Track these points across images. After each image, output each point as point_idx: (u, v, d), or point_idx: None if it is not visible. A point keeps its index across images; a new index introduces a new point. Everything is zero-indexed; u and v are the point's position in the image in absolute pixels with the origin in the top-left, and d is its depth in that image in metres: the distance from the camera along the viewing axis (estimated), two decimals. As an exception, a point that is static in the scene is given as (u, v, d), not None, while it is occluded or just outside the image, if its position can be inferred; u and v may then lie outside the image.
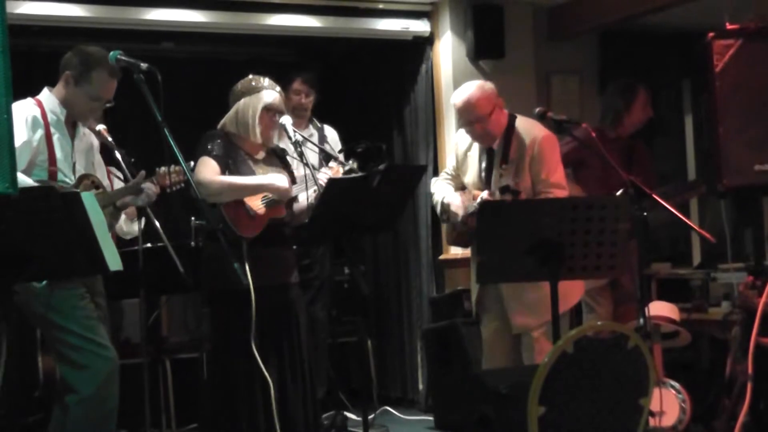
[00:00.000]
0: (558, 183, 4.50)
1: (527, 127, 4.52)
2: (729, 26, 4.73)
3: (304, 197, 4.36)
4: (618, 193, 4.43)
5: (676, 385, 4.84)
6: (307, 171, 4.24)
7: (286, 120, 4.39)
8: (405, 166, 6.06)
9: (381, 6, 6.39)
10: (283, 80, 5.53)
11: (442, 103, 6.48)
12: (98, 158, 4.25)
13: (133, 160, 4.18)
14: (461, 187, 4.73)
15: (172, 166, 4.07)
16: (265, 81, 4.40)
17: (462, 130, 4.77)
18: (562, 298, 3.59)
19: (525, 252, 3.52)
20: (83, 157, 4.09)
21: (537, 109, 4.48)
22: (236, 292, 4.03)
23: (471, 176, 4.64)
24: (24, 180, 3.61)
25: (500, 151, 4.51)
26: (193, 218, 5.57)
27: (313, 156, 5.43)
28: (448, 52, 6.43)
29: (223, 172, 4.29)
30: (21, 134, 3.77)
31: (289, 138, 4.36)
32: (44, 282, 3.73)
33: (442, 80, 6.49)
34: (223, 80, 4.69)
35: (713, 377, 4.97)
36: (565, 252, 3.53)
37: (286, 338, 4.34)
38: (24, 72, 5.74)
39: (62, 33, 5.90)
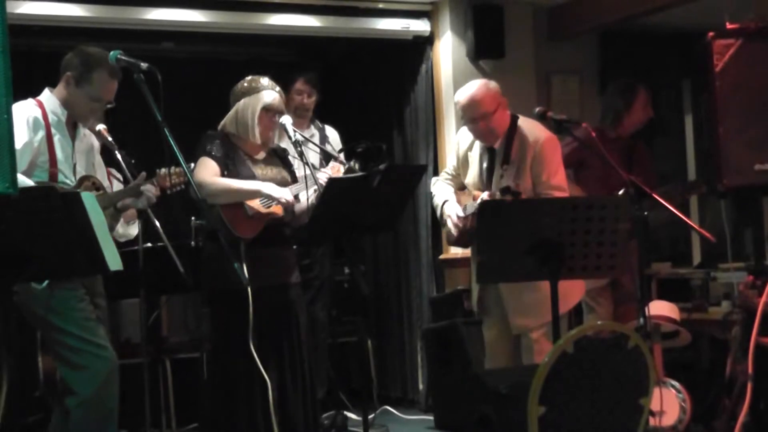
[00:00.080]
0: (559, 185, 4.50)
1: (529, 128, 4.51)
2: (729, 26, 4.72)
3: (305, 197, 4.36)
4: (618, 193, 4.43)
5: (677, 384, 4.84)
6: (308, 171, 4.24)
7: (286, 120, 4.39)
8: (405, 166, 6.06)
9: (381, 6, 6.39)
10: (285, 80, 5.54)
11: (442, 103, 6.48)
12: (99, 159, 4.25)
13: (133, 161, 4.18)
14: (461, 187, 4.73)
15: (173, 168, 4.07)
16: (265, 81, 4.40)
17: (463, 130, 4.77)
18: (562, 298, 3.59)
19: (525, 252, 3.52)
20: (84, 158, 4.09)
21: (537, 109, 4.48)
22: (236, 292, 4.03)
23: (472, 176, 4.64)
24: (24, 181, 3.61)
25: (501, 151, 4.51)
26: (193, 218, 5.57)
27: (313, 156, 5.44)
28: (448, 52, 6.43)
29: (222, 173, 4.29)
30: (22, 135, 3.77)
31: (289, 138, 4.36)
32: (44, 284, 3.73)
33: (442, 80, 6.49)
34: (223, 80, 4.69)
35: (713, 377, 4.97)
36: (565, 252, 3.52)
37: (285, 338, 4.34)
38: (24, 72, 5.74)
39: (62, 33, 5.90)
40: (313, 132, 5.85)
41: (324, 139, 5.84)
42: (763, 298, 4.29)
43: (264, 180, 4.34)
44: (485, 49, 6.38)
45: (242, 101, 4.36)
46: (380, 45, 6.66)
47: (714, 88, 4.69)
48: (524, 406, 2.95)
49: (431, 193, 4.83)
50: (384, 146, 4.89)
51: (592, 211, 3.53)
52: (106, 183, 4.24)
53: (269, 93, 4.36)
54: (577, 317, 5.20)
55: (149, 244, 4.95)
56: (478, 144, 4.63)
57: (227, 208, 4.26)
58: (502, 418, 3.74)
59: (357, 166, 4.43)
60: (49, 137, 3.91)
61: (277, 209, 4.32)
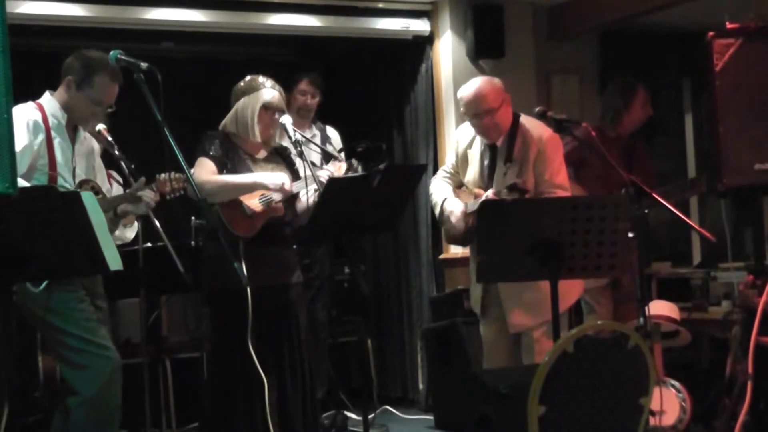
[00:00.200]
0: (561, 184, 4.50)
1: (532, 126, 4.52)
2: (729, 26, 4.72)
3: (307, 197, 4.37)
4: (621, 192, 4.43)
5: (677, 384, 4.83)
6: (307, 171, 4.24)
7: (286, 120, 4.39)
8: (405, 166, 6.06)
9: (381, 5, 6.39)
10: (288, 80, 5.56)
11: (442, 102, 6.48)
12: (99, 162, 4.24)
13: (133, 165, 4.17)
14: (459, 185, 4.72)
15: (173, 173, 4.06)
16: (266, 81, 4.40)
17: (462, 127, 4.76)
18: (560, 297, 3.59)
19: (525, 252, 3.52)
20: (84, 161, 4.08)
21: (537, 109, 4.48)
22: (236, 292, 4.03)
23: (472, 174, 4.63)
24: (22, 184, 3.60)
25: (504, 149, 4.51)
26: (193, 218, 5.57)
27: (314, 156, 5.44)
28: (448, 51, 6.43)
29: (220, 172, 4.30)
30: (22, 138, 3.76)
31: (289, 138, 4.36)
32: (42, 286, 3.72)
33: (442, 80, 6.49)
34: (223, 80, 4.69)
35: (713, 377, 4.97)
36: (565, 252, 3.52)
37: (285, 338, 4.34)
38: (24, 72, 5.76)
39: (62, 33, 5.90)
40: (314, 132, 5.86)
41: (325, 139, 5.85)
42: (763, 298, 4.29)
43: (264, 179, 4.34)
44: (485, 48, 6.38)
45: (242, 100, 4.36)
46: (380, 45, 6.66)
47: (714, 88, 4.69)
48: (524, 406, 2.95)
49: (429, 192, 4.81)
50: (384, 146, 4.90)
51: (592, 211, 3.53)
52: (106, 186, 4.24)
53: (269, 91, 4.36)
54: (577, 317, 5.20)
55: (149, 244, 4.95)
56: (478, 141, 4.62)
57: (226, 208, 4.26)
58: (502, 418, 3.74)
59: (359, 167, 4.43)
60: (48, 140, 3.90)
61: (277, 208, 4.32)
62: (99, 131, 4.18)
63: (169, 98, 3.77)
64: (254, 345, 4.13)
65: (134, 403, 4.71)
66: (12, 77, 2.73)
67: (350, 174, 4.39)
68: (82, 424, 3.83)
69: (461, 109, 4.59)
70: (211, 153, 4.31)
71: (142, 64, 3.86)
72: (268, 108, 4.35)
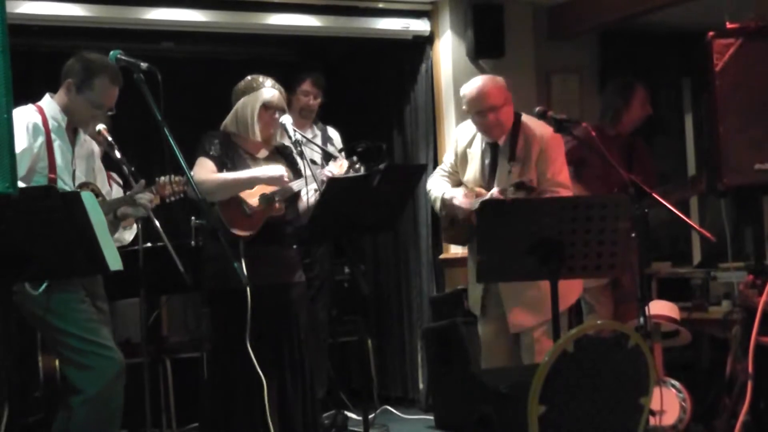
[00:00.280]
0: (563, 183, 4.51)
1: (533, 125, 4.53)
2: (729, 25, 4.72)
3: (308, 196, 4.37)
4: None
5: (677, 384, 4.84)
6: (308, 171, 4.24)
7: (286, 119, 4.38)
8: (405, 166, 6.06)
9: (381, 5, 6.39)
10: (289, 80, 5.55)
11: (442, 102, 6.48)
12: (99, 165, 4.24)
13: (133, 168, 4.16)
14: (457, 184, 4.72)
15: (173, 176, 4.06)
16: (266, 80, 4.40)
17: (462, 126, 4.77)
18: (561, 297, 3.59)
19: (525, 251, 3.52)
20: (84, 163, 4.08)
21: (537, 109, 4.48)
22: (236, 292, 4.03)
23: (472, 173, 4.62)
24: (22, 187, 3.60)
25: (507, 148, 4.51)
26: (193, 218, 5.57)
27: (315, 156, 5.43)
28: (448, 51, 6.43)
29: (220, 172, 4.29)
30: (21, 141, 3.75)
31: (289, 138, 4.36)
32: (41, 288, 3.72)
33: (442, 80, 6.49)
34: (223, 80, 4.69)
35: (714, 376, 4.97)
36: (565, 251, 3.53)
37: (285, 338, 4.34)
38: (24, 72, 5.76)
39: (62, 33, 5.90)
40: (315, 133, 5.86)
41: (327, 140, 5.84)
42: (763, 298, 4.28)
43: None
44: (485, 48, 6.38)
45: (242, 100, 4.37)
46: (380, 45, 6.66)
47: (714, 88, 4.69)
48: (524, 406, 2.95)
49: (427, 189, 4.81)
50: (384, 146, 4.90)
51: (592, 211, 3.53)
52: (106, 188, 4.24)
53: (269, 91, 4.36)
54: (577, 317, 5.20)
55: (149, 244, 4.95)
56: (478, 140, 4.62)
57: (225, 208, 4.26)
58: (503, 418, 3.74)
59: (361, 168, 4.44)
60: (48, 143, 3.89)
61: (278, 208, 4.32)
62: (99, 131, 4.18)
63: (169, 98, 3.78)
64: (254, 345, 4.13)
65: (134, 403, 4.71)
66: (12, 77, 2.73)
67: (351, 172, 4.39)
68: (84, 423, 3.82)
69: (464, 107, 4.59)
70: (211, 153, 4.31)
71: (142, 64, 3.86)
72: (268, 107, 4.35)
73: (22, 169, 3.71)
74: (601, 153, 4.30)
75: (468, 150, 4.66)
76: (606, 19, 6.44)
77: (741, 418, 4.29)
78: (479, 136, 4.63)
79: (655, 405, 4.11)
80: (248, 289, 4.01)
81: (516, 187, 4.30)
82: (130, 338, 5.55)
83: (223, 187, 4.26)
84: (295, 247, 4.49)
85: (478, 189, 4.56)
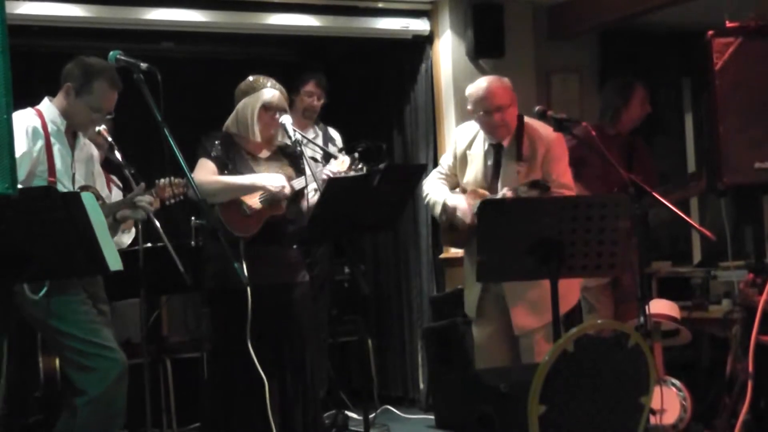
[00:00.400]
0: (567, 184, 4.51)
1: (537, 126, 4.53)
2: (729, 24, 4.72)
3: (312, 196, 4.37)
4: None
5: (677, 383, 4.83)
6: (308, 171, 4.24)
7: (286, 119, 4.38)
8: (405, 166, 6.06)
9: (381, 5, 6.39)
10: (294, 81, 5.55)
11: (442, 102, 6.48)
12: (98, 168, 4.24)
13: (133, 171, 4.16)
14: (454, 187, 4.70)
15: (172, 179, 4.05)
16: (267, 81, 4.40)
17: (461, 128, 4.76)
18: (561, 298, 3.58)
19: (525, 251, 3.52)
20: (83, 167, 4.07)
21: (537, 108, 4.48)
22: (236, 292, 4.03)
23: (473, 175, 4.60)
24: None
25: (513, 148, 4.51)
26: (193, 218, 5.57)
27: (315, 156, 5.43)
28: (448, 51, 6.43)
29: (221, 172, 4.30)
30: (21, 145, 3.74)
31: (289, 137, 4.37)
32: (42, 292, 3.71)
33: (442, 79, 6.49)
34: (223, 80, 4.69)
35: (714, 375, 4.97)
36: (565, 251, 3.52)
37: (286, 338, 4.34)
38: (24, 72, 5.76)
39: (62, 33, 5.90)
40: (317, 133, 5.87)
41: (328, 140, 5.85)
42: (764, 297, 4.28)
43: (267, 178, 4.34)
44: (485, 48, 6.38)
45: (243, 101, 4.37)
46: (380, 45, 6.66)
47: (714, 87, 4.68)
48: (525, 405, 2.95)
49: (424, 193, 4.75)
50: (384, 146, 4.90)
51: (592, 210, 3.53)
52: (105, 192, 4.24)
53: (269, 91, 4.36)
54: (578, 317, 5.20)
55: (149, 245, 4.95)
56: (479, 142, 4.61)
57: (225, 208, 4.26)
58: (503, 417, 3.74)
59: (362, 166, 4.44)
60: (48, 147, 3.89)
61: (278, 207, 4.32)
62: (99, 132, 4.18)
63: (169, 98, 3.77)
64: (254, 345, 4.13)
65: (135, 403, 4.71)
66: (12, 78, 2.73)
67: (352, 170, 4.40)
68: (88, 424, 3.82)
69: (469, 106, 4.58)
70: (213, 154, 4.32)
71: (141, 64, 3.86)
72: (268, 108, 4.35)
73: (21, 173, 3.70)
74: (601, 152, 4.30)
75: (468, 152, 4.64)
76: (606, 18, 6.45)
77: (741, 417, 4.29)
78: (480, 137, 4.62)
79: (655, 404, 4.09)
80: (248, 289, 4.01)
81: (530, 186, 4.29)
82: (130, 338, 5.55)
83: (223, 190, 4.26)
84: (295, 247, 4.49)
85: (481, 191, 4.55)
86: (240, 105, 4.37)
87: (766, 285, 4.31)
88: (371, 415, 5.17)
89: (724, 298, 5.30)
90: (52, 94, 4.02)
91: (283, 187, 4.29)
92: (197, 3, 5.95)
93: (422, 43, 6.58)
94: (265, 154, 4.45)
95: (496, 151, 4.57)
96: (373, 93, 7.06)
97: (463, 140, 4.68)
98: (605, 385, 3.03)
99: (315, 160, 4.81)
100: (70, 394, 3.90)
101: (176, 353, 5.74)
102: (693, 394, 4.83)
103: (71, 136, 4.02)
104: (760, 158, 4.66)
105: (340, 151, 5.24)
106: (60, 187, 3.88)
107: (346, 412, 5.91)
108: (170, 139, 3.76)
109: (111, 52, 3.95)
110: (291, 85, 4.56)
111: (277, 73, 4.60)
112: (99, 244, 2.96)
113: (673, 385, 4.82)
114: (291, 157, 4.50)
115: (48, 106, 3.98)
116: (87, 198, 2.98)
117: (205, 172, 4.27)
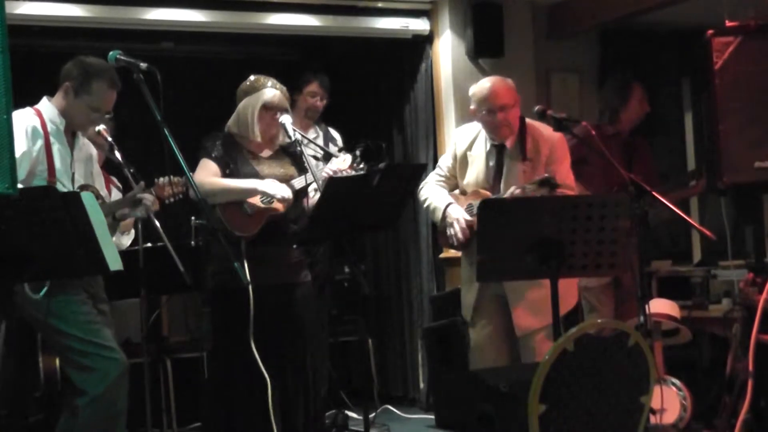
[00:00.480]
0: (570, 185, 4.52)
1: (539, 127, 4.54)
2: (728, 24, 4.72)
3: (313, 195, 4.37)
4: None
5: (677, 382, 4.83)
6: (310, 170, 4.24)
7: (286, 119, 4.38)
8: (405, 165, 6.06)
9: (380, 5, 6.39)
10: (297, 81, 5.55)
11: (441, 101, 6.48)
12: (97, 168, 4.24)
13: (132, 170, 4.16)
14: (453, 188, 4.69)
15: (172, 177, 4.05)
16: (268, 80, 4.40)
17: (461, 129, 4.76)
18: (561, 299, 3.59)
19: (525, 250, 3.52)
20: (82, 166, 4.07)
21: (536, 108, 4.48)
22: (237, 292, 4.03)
23: (474, 176, 4.59)
24: None
25: (517, 148, 4.51)
26: (193, 218, 5.57)
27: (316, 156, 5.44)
28: (447, 50, 6.43)
29: (223, 172, 4.30)
30: (20, 144, 3.73)
31: (289, 137, 4.37)
32: (42, 292, 3.71)
33: (441, 79, 6.49)
34: (223, 80, 4.70)
35: (714, 375, 4.97)
36: (565, 250, 3.52)
37: (287, 338, 4.34)
38: (24, 72, 5.74)
39: (62, 33, 5.91)
40: (318, 133, 5.87)
41: (329, 140, 5.85)
42: (764, 296, 4.29)
43: (268, 178, 4.33)
44: (485, 47, 6.38)
45: (244, 100, 4.37)
46: (380, 44, 6.66)
47: (714, 86, 4.69)
48: (525, 405, 2.95)
49: (420, 195, 4.71)
50: (384, 145, 4.90)
51: (592, 210, 3.53)
52: (104, 192, 4.24)
53: (270, 91, 4.36)
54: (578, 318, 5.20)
55: (149, 244, 4.95)
56: (480, 143, 4.60)
57: (225, 208, 4.26)
58: (503, 417, 3.74)
59: (362, 165, 4.44)
60: (47, 146, 3.89)
61: (278, 206, 4.31)
62: (99, 132, 4.18)
63: (169, 98, 3.77)
64: (257, 344, 4.13)
65: (135, 403, 4.71)
66: (12, 78, 2.73)
67: (353, 168, 4.40)
68: (89, 424, 3.82)
69: (472, 106, 4.57)
70: (214, 154, 4.32)
71: (141, 64, 3.86)
72: (268, 108, 4.35)
73: (21, 173, 3.70)
74: (601, 152, 4.30)
75: (468, 153, 4.63)
76: (605, 18, 6.44)
77: (741, 416, 4.29)
78: (480, 138, 4.61)
79: (655, 403, 4.10)
80: (250, 288, 4.01)
81: (540, 183, 4.28)
82: (130, 338, 5.56)
83: (223, 193, 4.26)
84: (295, 246, 4.49)
85: (482, 191, 4.54)
86: (241, 105, 4.37)
87: (766, 284, 4.31)
88: (371, 415, 5.18)
89: (724, 298, 5.30)
90: (52, 94, 4.02)
91: (284, 196, 4.27)
92: (197, 3, 5.95)
93: (422, 43, 6.58)
94: (266, 153, 4.45)
95: (498, 152, 4.56)
96: (373, 93, 7.06)
97: (463, 141, 4.67)
98: (605, 385, 3.03)
99: (316, 158, 4.81)
100: (70, 394, 3.90)
101: (176, 353, 5.74)
102: (693, 393, 4.83)
103: (70, 135, 4.02)
104: (760, 157, 4.67)
105: (340, 150, 5.24)
106: (59, 187, 3.88)
107: (346, 412, 5.91)
108: (170, 138, 3.76)
109: (111, 52, 3.95)
110: (293, 85, 4.55)
111: (278, 72, 4.60)
112: (99, 244, 2.97)
113: (673, 384, 4.82)
114: (293, 156, 4.50)
115: (47, 106, 3.98)
116: (87, 197, 2.98)
117: (206, 173, 4.27)
